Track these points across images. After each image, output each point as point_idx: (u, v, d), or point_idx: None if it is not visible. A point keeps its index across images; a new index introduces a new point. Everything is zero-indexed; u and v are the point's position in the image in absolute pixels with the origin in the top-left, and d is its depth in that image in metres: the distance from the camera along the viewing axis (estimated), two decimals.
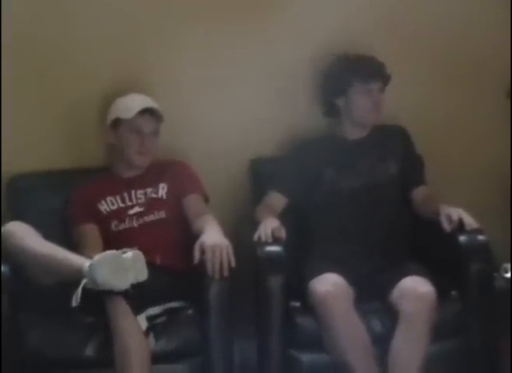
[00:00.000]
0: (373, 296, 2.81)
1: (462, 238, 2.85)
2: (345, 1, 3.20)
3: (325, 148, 3.10)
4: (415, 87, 3.26)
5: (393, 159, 3.09)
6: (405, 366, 2.66)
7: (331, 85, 3.13)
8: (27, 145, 3.08)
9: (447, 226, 2.85)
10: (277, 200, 3.08)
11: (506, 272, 2.98)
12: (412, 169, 3.14)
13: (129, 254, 2.54)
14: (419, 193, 3.11)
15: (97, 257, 2.51)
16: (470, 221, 2.85)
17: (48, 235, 2.72)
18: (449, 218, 2.85)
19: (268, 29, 3.18)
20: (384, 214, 3.02)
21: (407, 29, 3.24)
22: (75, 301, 2.52)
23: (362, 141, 3.12)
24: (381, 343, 2.70)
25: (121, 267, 2.50)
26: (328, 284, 2.73)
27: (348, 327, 2.68)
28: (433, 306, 2.71)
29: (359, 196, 3.02)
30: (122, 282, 2.50)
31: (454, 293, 2.85)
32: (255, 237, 2.84)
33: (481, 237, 2.85)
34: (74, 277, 2.54)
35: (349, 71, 3.06)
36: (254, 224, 2.92)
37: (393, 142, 3.13)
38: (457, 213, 2.86)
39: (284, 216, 3.01)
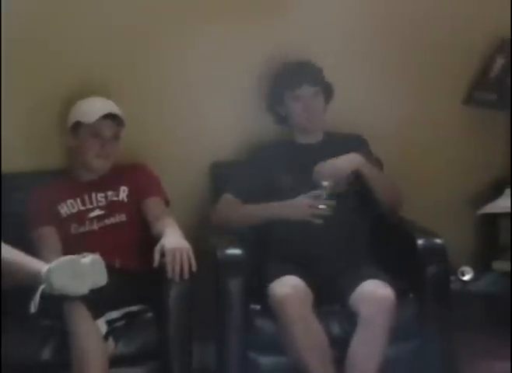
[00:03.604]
0: (332, 299, 2.82)
1: (420, 241, 2.89)
2: (302, 7, 3.21)
3: (282, 153, 3.11)
4: (370, 94, 3.28)
5: None
6: (362, 368, 2.67)
7: (269, 94, 3.15)
8: None
9: None
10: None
11: (463, 275, 3.02)
12: None
13: (88, 259, 2.53)
14: None
15: (55, 262, 2.49)
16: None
17: (10, 238, 2.68)
18: None
19: (228, 33, 3.18)
20: (342, 217, 3.00)
21: (361, 35, 3.26)
22: (34, 306, 2.50)
23: (318, 147, 3.13)
24: (340, 346, 2.71)
25: (79, 272, 2.48)
26: (287, 287, 2.74)
27: (306, 330, 2.68)
28: (392, 309, 2.72)
29: None
30: (80, 287, 2.49)
31: (411, 295, 2.88)
32: None
33: (438, 240, 2.89)
34: (32, 281, 2.52)
35: (280, 80, 3.09)
36: (214, 227, 2.92)
37: (350, 149, 3.11)
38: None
39: None
